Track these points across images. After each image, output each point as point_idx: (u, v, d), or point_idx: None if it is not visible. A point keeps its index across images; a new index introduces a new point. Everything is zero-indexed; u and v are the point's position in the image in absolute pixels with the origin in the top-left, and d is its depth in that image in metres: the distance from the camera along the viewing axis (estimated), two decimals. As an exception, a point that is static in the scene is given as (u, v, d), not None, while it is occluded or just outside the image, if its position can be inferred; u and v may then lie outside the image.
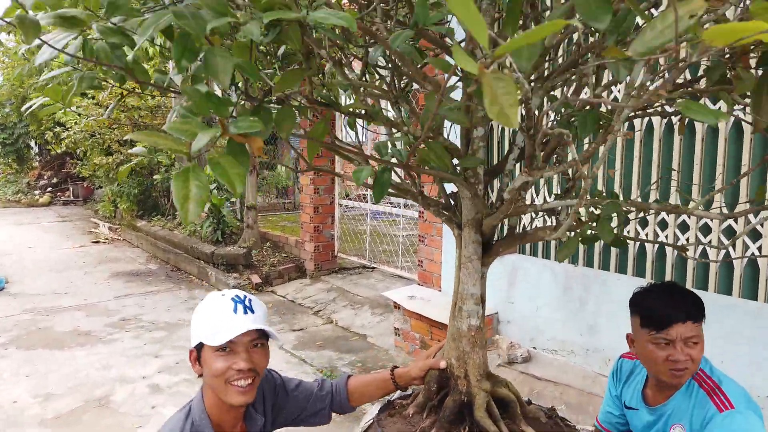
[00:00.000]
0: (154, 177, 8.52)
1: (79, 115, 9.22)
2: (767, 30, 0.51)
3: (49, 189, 14.70)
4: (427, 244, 4.32)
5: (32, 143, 15.94)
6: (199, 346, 1.30)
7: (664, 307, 1.34)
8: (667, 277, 2.92)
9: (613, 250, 3.17)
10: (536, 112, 1.23)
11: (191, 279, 6.60)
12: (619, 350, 1.66)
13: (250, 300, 1.31)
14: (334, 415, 1.61)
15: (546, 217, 3.29)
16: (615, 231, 1.25)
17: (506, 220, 1.46)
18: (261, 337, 1.31)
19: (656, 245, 2.98)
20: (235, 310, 1.27)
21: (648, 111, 1.37)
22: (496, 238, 1.49)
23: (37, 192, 14.41)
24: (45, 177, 15.26)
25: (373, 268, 6.14)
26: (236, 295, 1.31)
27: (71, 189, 14.50)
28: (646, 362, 1.41)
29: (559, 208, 1.33)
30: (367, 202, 6.17)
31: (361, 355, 4.21)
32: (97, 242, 8.87)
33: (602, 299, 3.20)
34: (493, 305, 3.75)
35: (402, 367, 1.58)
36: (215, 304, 1.30)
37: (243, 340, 1.27)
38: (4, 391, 3.66)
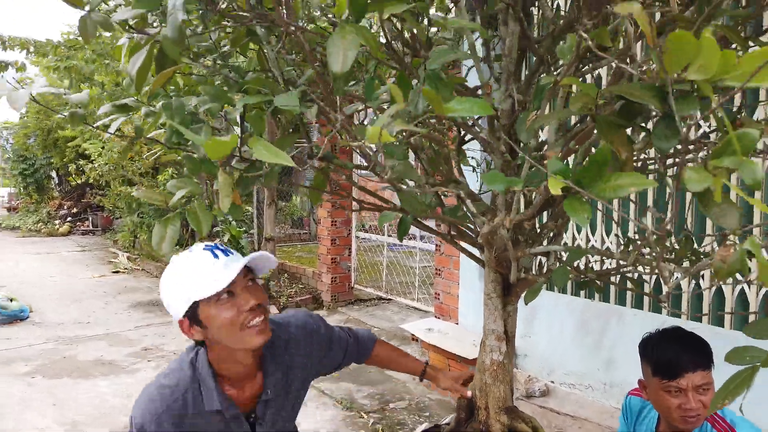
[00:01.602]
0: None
1: (103, 147, 9.53)
2: None
3: (69, 219, 15.00)
4: (444, 277, 4.39)
5: (53, 174, 16.36)
6: (193, 308, 1.21)
7: (675, 357, 1.38)
8: (683, 314, 2.96)
9: (629, 285, 3.23)
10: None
11: (210, 309, 6.70)
12: (635, 385, 1.72)
13: (220, 245, 1.26)
14: None
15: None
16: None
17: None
18: (251, 272, 1.27)
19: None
20: (216, 256, 1.22)
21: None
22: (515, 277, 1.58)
23: (57, 222, 14.70)
24: (65, 207, 15.59)
25: (390, 299, 6.20)
26: (206, 246, 1.26)
27: (90, 219, 14.78)
28: (659, 408, 1.46)
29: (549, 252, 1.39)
30: (383, 234, 6.26)
31: (380, 388, 4.25)
32: (116, 272, 9.03)
33: (619, 334, 3.24)
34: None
35: (435, 370, 1.67)
36: (192, 261, 1.23)
37: (240, 281, 1.22)
38: (33, 419, 3.74)
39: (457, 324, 4.26)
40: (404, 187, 1.31)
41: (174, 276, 1.24)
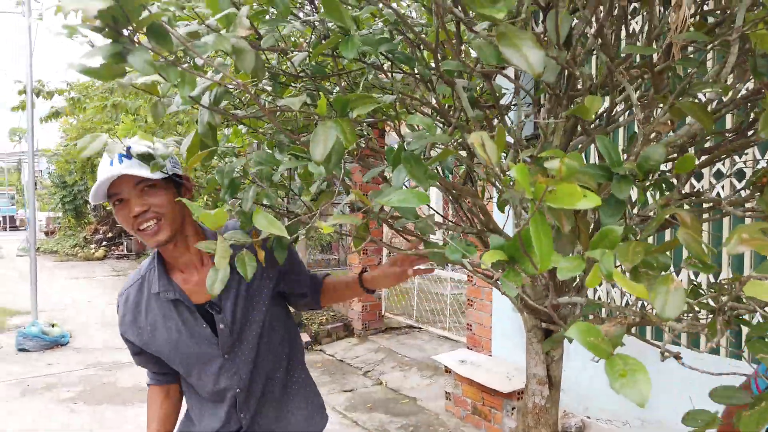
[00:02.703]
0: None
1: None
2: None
3: (104, 243, 15.41)
4: (476, 308, 4.41)
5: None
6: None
7: None
8: (719, 349, 2.92)
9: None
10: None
11: (242, 336, 6.80)
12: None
13: (128, 148, 1.25)
14: None
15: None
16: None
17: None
18: (147, 179, 1.27)
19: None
20: (111, 163, 1.24)
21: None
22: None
23: (93, 246, 15.12)
24: (100, 232, 16.04)
25: (420, 328, 6.21)
26: (106, 150, 1.28)
27: (125, 243, 15.16)
28: None
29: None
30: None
31: (413, 419, 4.25)
32: (151, 297, 9.22)
33: (656, 369, 3.20)
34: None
35: (371, 272, 1.52)
36: (100, 163, 1.29)
37: (128, 188, 1.26)
38: (74, 446, 3.85)
39: (490, 356, 4.25)
40: (431, 239, 1.37)
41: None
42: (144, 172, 1.25)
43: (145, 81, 1.00)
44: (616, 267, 0.77)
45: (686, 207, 1.20)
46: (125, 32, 0.74)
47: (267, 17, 1.18)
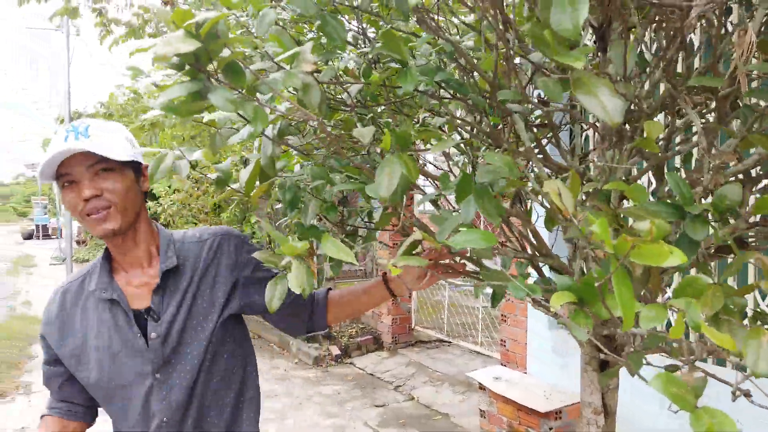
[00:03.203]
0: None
1: (169, 186, 10.01)
2: None
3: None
4: (510, 324, 4.35)
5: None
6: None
7: None
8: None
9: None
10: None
11: (272, 348, 6.82)
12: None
13: (87, 127, 1.15)
14: None
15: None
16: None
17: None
18: (107, 161, 1.16)
19: None
20: (66, 139, 1.12)
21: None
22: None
23: (125, 256, 15.36)
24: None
25: (450, 342, 6.15)
26: (73, 125, 1.16)
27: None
28: None
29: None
30: (448, 282, 6.26)
31: (446, 436, 4.21)
32: (182, 308, 9.33)
33: (715, 398, 3.10)
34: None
35: (392, 278, 1.36)
36: (52, 139, 1.16)
37: (81, 168, 1.14)
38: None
39: (525, 373, 4.18)
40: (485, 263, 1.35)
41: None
42: (102, 150, 1.12)
43: (214, 116, 1.01)
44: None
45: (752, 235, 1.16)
46: (202, 70, 0.75)
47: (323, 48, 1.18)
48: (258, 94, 1.07)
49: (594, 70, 1.15)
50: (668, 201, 0.99)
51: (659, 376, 0.72)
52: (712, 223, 0.93)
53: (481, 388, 4.20)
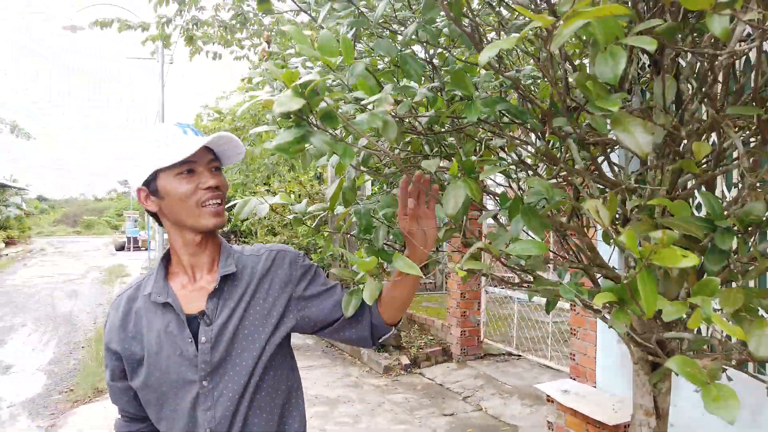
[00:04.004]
0: (311, 256, 9.41)
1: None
2: None
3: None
4: (579, 337, 4.37)
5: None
6: (152, 178, 1.22)
7: None
8: None
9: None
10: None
11: (345, 356, 7.09)
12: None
13: (194, 127, 1.26)
14: None
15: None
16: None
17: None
18: (217, 160, 1.26)
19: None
20: (185, 132, 1.22)
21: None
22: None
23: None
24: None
25: (520, 356, 6.17)
26: (178, 123, 1.25)
27: (235, 264, 16.12)
28: None
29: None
30: (514, 289, 6.30)
31: (513, 447, 4.27)
32: (260, 316, 9.82)
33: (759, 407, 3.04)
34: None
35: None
36: (160, 132, 1.23)
37: (203, 160, 1.22)
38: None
39: (594, 387, 4.19)
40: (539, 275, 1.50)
41: (140, 142, 1.23)
42: (230, 145, 1.24)
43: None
44: (716, 311, 0.88)
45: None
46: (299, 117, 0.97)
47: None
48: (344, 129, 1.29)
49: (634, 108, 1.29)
50: (703, 216, 1.12)
51: (676, 358, 0.86)
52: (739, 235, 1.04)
53: (549, 400, 4.24)
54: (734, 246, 1.25)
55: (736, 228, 1.04)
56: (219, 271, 1.26)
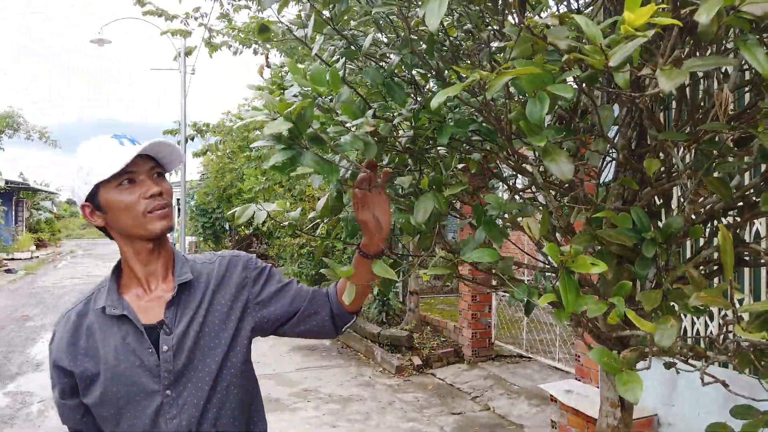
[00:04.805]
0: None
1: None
2: None
3: (239, 265, 16.82)
4: (585, 339, 4.48)
5: (226, 225, 18.70)
6: (94, 193, 1.21)
7: None
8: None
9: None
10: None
11: (359, 357, 7.27)
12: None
13: (133, 138, 1.26)
14: None
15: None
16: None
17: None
18: (159, 167, 1.26)
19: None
20: (122, 143, 1.22)
21: None
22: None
23: (229, 268, 16.56)
24: (236, 254, 17.56)
25: (530, 358, 6.28)
26: (115, 135, 1.25)
27: (257, 266, 16.44)
28: None
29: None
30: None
31: (517, 445, 4.40)
32: (279, 317, 10.07)
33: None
34: (652, 406, 3.79)
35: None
36: (98, 145, 1.23)
37: (143, 168, 1.22)
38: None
39: (597, 387, 4.30)
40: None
41: (78, 158, 1.23)
42: (165, 152, 1.24)
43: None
44: (631, 309, 1.04)
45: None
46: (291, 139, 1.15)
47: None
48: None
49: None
50: (632, 228, 1.26)
51: (596, 350, 1.02)
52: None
53: (553, 400, 4.36)
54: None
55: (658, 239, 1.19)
56: (175, 280, 1.26)
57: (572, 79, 1.14)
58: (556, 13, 1.13)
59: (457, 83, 1.03)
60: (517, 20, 1.32)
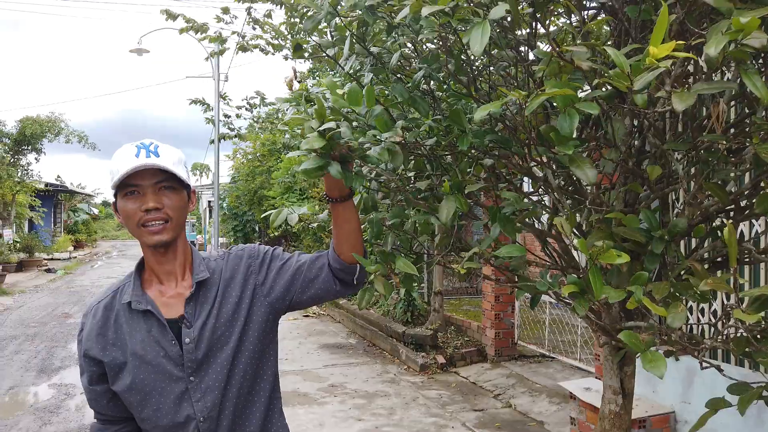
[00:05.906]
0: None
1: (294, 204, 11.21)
2: None
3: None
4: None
5: (256, 227, 19.12)
6: (116, 195, 1.31)
7: None
8: None
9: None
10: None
11: (384, 355, 7.45)
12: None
13: (156, 146, 1.29)
14: None
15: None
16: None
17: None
18: (170, 180, 1.30)
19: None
20: (137, 155, 1.26)
21: None
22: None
23: (258, 269, 16.90)
24: (265, 256, 17.89)
25: (552, 357, 6.37)
26: (142, 142, 1.30)
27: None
28: None
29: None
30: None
31: (537, 440, 4.52)
32: (307, 316, 10.32)
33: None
34: (669, 404, 3.87)
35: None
36: (121, 152, 1.29)
37: (148, 182, 1.27)
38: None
39: (615, 385, 4.39)
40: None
41: (111, 162, 1.31)
42: (170, 167, 1.28)
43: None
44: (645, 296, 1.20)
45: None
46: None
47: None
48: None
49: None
50: (642, 228, 1.42)
51: (624, 333, 1.17)
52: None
53: (572, 397, 4.47)
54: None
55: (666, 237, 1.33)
56: (194, 278, 1.36)
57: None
58: (585, 42, 1.28)
59: (495, 102, 1.20)
60: (549, 47, 1.48)
